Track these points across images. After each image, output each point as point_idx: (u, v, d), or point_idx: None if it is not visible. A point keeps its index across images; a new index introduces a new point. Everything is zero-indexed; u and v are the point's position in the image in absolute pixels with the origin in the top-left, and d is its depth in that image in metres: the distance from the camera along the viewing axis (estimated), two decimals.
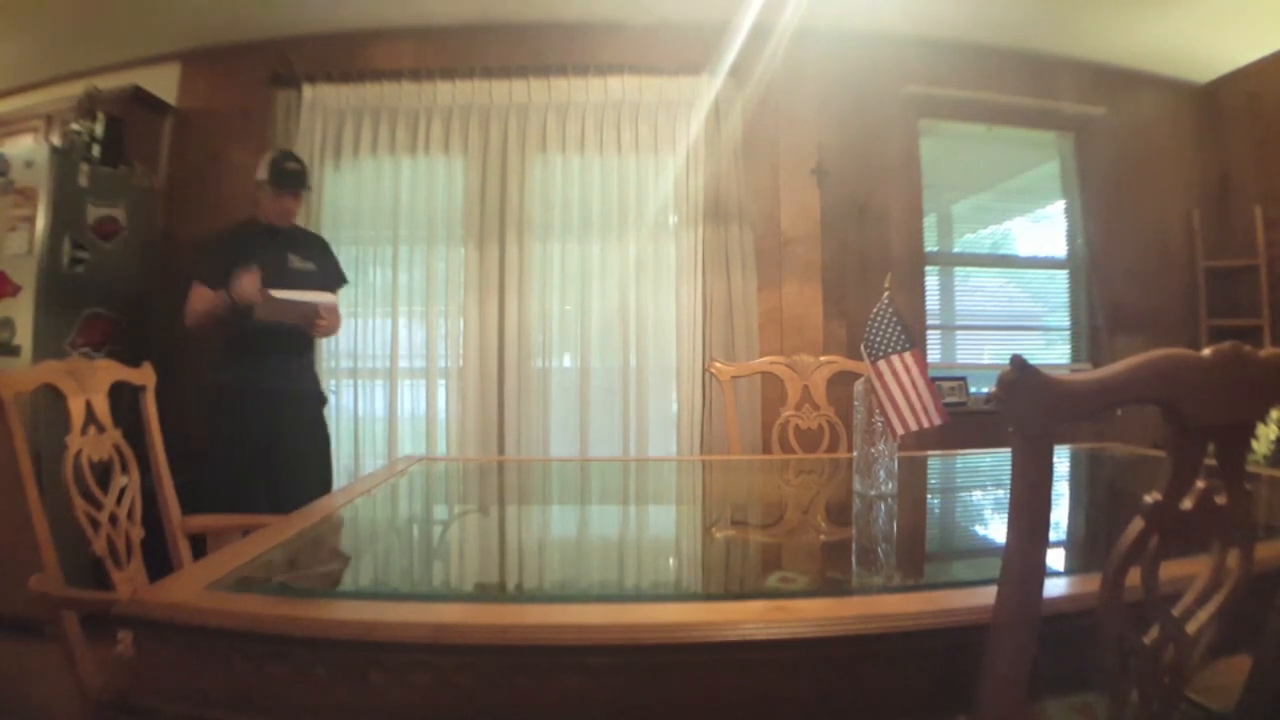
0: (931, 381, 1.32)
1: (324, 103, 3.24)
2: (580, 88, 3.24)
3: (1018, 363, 0.61)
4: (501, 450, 3.11)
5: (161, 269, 3.26)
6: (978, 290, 3.71)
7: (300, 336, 2.52)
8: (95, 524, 1.29)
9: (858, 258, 3.34)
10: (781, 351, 2.60)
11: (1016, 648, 0.66)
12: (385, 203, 3.24)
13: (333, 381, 3.24)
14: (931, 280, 3.53)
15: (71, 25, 3.07)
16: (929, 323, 3.47)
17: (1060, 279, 3.70)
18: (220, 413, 2.46)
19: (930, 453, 2.00)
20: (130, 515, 1.40)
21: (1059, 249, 3.71)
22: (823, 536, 1.30)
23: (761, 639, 0.71)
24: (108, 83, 3.20)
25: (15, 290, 2.68)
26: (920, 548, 1.26)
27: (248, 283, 2.26)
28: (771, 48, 3.14)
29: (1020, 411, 0.62)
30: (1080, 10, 3.11)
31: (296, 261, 2.56)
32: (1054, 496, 0.67)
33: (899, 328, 1.32)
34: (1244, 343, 0.65)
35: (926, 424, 1.29)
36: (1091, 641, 0.68)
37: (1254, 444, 2.14)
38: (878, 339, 1.32)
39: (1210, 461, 0.67)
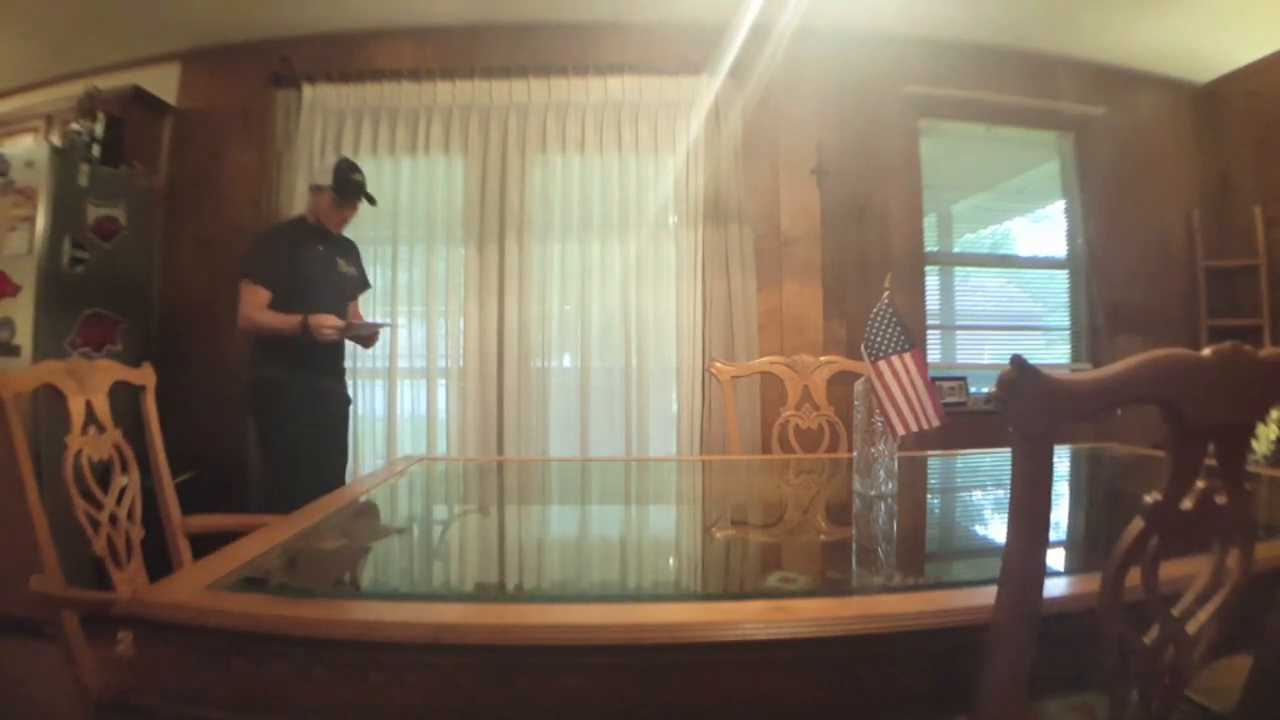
0: (931, 382, 1.32)
1: (324, 103, 3.24)
2: (580, 88, 3.24)
3: (1018, 363, 0.61)
4: (501, 450, 3.11)
5: (161, 269, 3.27)
6: (978, 290, 3.71)
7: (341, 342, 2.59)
8: (95, 524, 1.29)
9: (858, 258, 3.34)
10: (781, 351, 2.60)
11: (1016, 648, 0.66)
12: (385, 203, 3.22)
13: None
14: (931, 280, 3.53)
15: (71, 25, 3.07)
16: (929, 323, 3.47)
17: (1060, 279, 3.70)
18: (277, 409, 2.46)
19: (930, 453, 2.00)
20: (130, 515, 1.40)
21: (1059, 249, 3.71)
22: (823, 536, 1.30)
23: (761, 639, 0.71)
24: (108, 83, 3.20)
25: (15, 290, 2.68)
26: (920, 548, 1.26)
27: (330, 326, 2.36)
28: (771, 48, 3.14)
29: (1020, 411, 0.62)
30: (1080, 10, 3.11)
31: (342, 265, 2.62)
32: (1054, 496, 0.67)
33: (899, 328, 1.32)
34: (1244, 343, 0.65)
35: (925, 425, 1.29)
36: (1091, 641, 0.68)
37: (1254, 444, 2.14)
38: (878, 339, 1.32)
39: (1210, 461, 0.67)
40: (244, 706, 0.73)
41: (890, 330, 1.32)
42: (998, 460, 1.92)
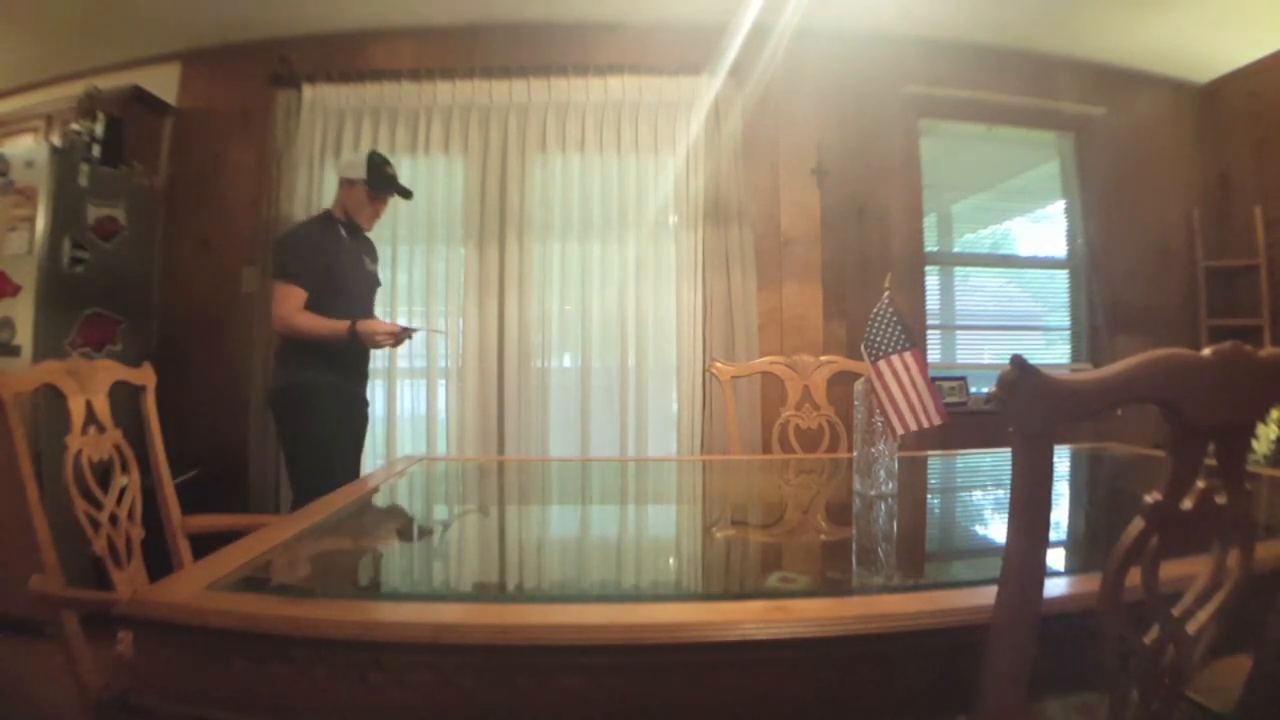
0: (931, 381, 1.32)
1: (324, 103, 3.24)
2: (580, 88, 3.24)
3: (1018, 363, 0.61)
4: (501, 450, 3.11)
5: (161, 269, 3.27)
6: (978, 290, 3.71)
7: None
8: (95, 524, 1.29)
9: (858, 258, 3.34)
10: (781, 351, 2.60)
11: (1016, 648, 0.66)
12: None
13: None
14: (931, 280, 3.53)
15: (71, 25, 3.07)
16: (929, 323, 3.47)
17: (1060, 279, 3.70)
18: (310, 414, 2.34)
19: (930, 453, 2.00)
20: (130, 515, 1.40)
21: (1059, 249, 3.71)
22: (823, 536, 1.30)
23: (761, 639, 0.71)
24: (108, 83, 3.20)
25: (15, 290, 2.68)
26: (920, 548, 1.26)
27: (384, 334, 2.29)
28: (771, 48, 3.15)
29: (1020, 411, 0.62)
30: (1080, 10, 3.11)
31: (368, 263, 2.54)
32: (1054, 496, 0.67)
33: (899, 327, 1.32)
34: (1244, 343, 0.65)
35: (926, 424, 1.29)
36: (1091, 641, 0.68)
37: (1254, 444, 2.14)
38: (878, 339, 1.32)
39: (1210, 461, 0.67)
40: (244, 706, 0.73)
41: (890, 330, 1.32)
42: (998, 460, 1.92)
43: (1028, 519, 0.65)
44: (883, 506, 1.33)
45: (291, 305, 2.27)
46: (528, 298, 3.19)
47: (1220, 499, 0.68)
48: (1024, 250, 3.87)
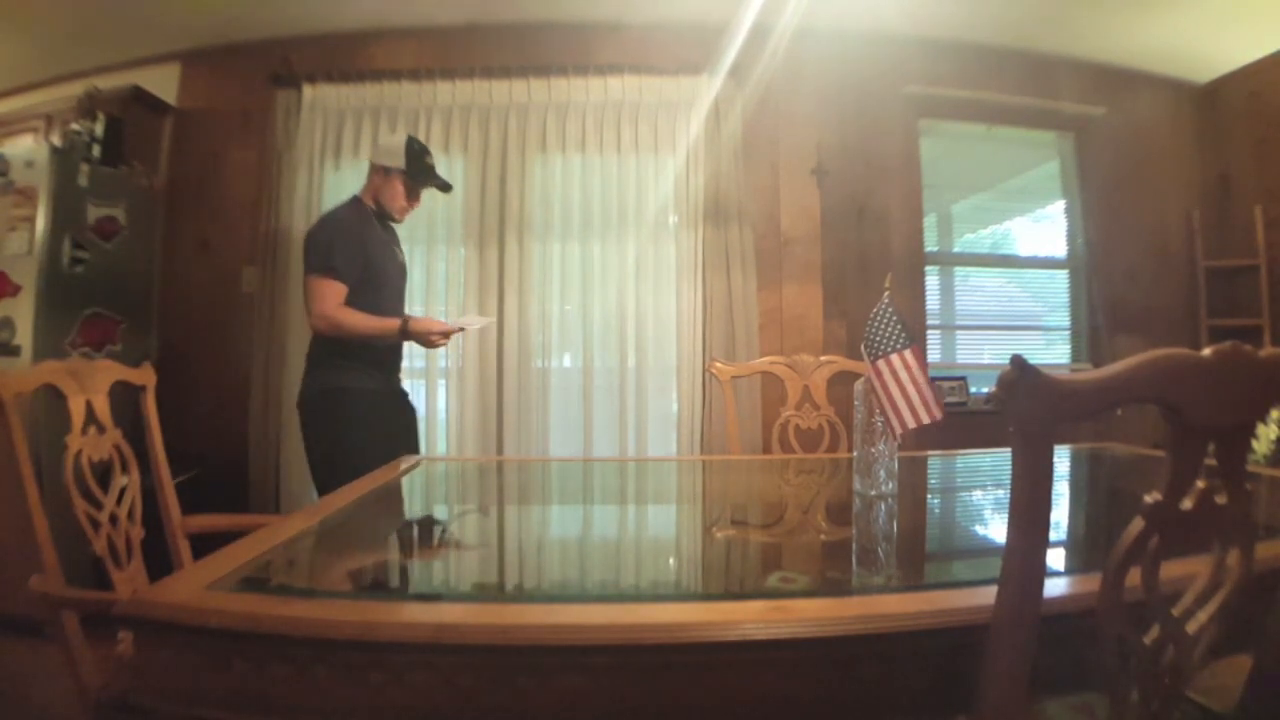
0: (931, 379, 1.32)
1: (324, 103, 3.24)
2: (580, 88, 3.24)
3: (1018, 363, 0.61)
4: (501, 450, 3.11)
5: (161, 269, 3.27)
6: (978, 290, 3.71)
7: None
8: (95, 524, 1.29)
9: (858, 258, 3.34)
10: (781, 351, 2.60)
11: (1016, 648, 0.66)
12: None
13: None
14: (931, 280, 3.53)
15: (71, 25, 3.07)
16: (929, 323, 3.47)
17: (1060, 279, 3.70)
18: (355, 420, 2.16)
19: (930, 453, 2.00)
20: (130, 515, 1.40)
21: (1059, 249, 3.71)
22: (823, 536, 1.30)
23: (761, 639, 0.71)
24: (108, 83, 3.20)
25: (15, 290, 2.68)
26: (920, 548, 1.26)
27: (439, 333, 2.18)
28: (771, 48, 3.14)
29: (1020, 411, 0.62)
30: (1080, 10, 3.11)
31: (398, 253, 2.40)
32: (1054, 496, 0.67)
33: (899, 327, 1.32)
34: (1244, 343, 0.65)
35: (926, 419, 1.29)
36: (1091, 641, 0.68)
37: (1254, 444, 2.14)
38: (878, 339, 1.32)
39: (1210, 461, 0.67)
40: (244, 707, 0.73)
41: (890, 330, 1.32)
42: (998, 460, 1.92)
43: (1028, 519, 0.65)
44: (883, 506, 1.33)
45: (335, 301, 2.11)
46: (528, 298, 3.19)
47: (1220, 499, 0.68)
48: (1024, 250, 3.87)
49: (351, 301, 2.14)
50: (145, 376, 1.56)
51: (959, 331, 3.64)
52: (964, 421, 3.18)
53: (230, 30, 3.27)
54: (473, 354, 3.18)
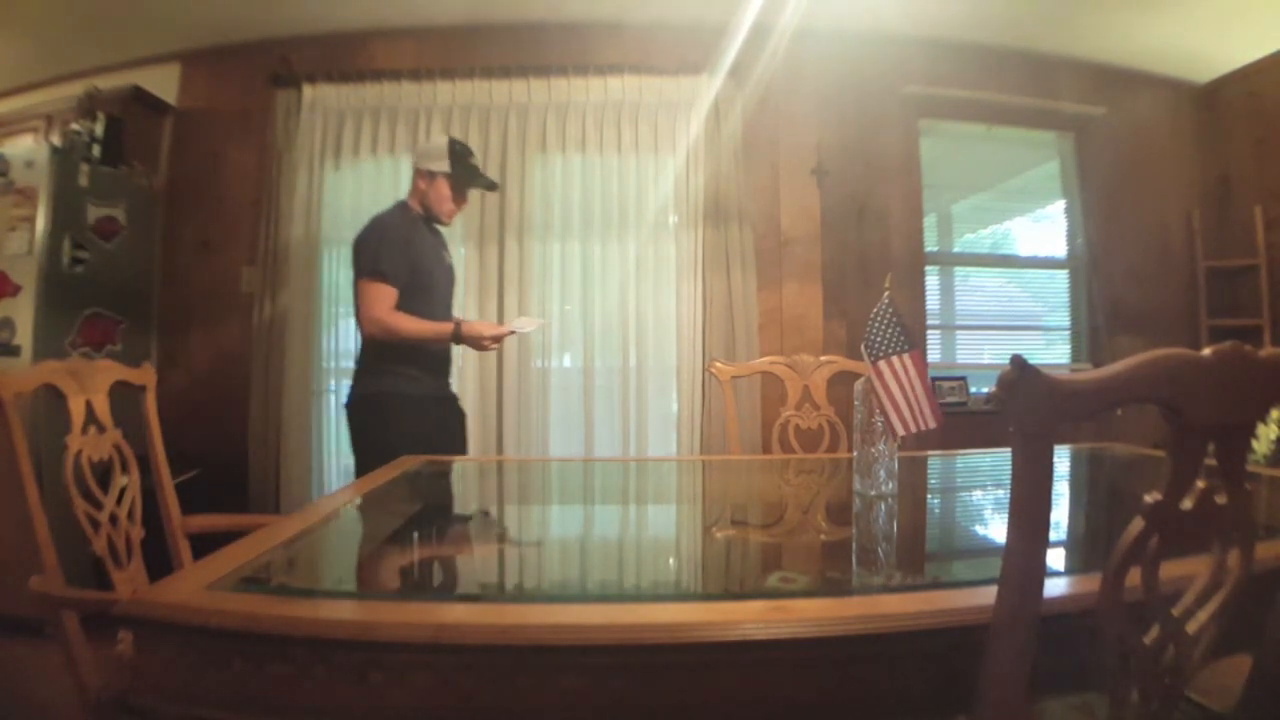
0: (930, 385, 1.32)
1: (324, 103, 3.24)
2: (580, 88, 3.24)
3: (1018, 363, 0.61)
4: (501, 450, 3.11)
5: (161, 269, 3.27)
6: (978, 290, 3.71)
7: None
8: (95, 524, 1.29)
9: (858, 258, 3.34)
10: (781, 351, 2.60)
11: (1016, 648, 0.66)
12: (385, 203, 3.20)
13: (332, 381, 3.24)
14: (931, 280, 3.53)
15: (71, 25, 3.07)
16: (929, 323, 3.47)
17: (1060, 279, 3.70)
18: (405, 421, 2.16)
19: (930, 453, 2.00)
20: (130, 515, 1.40)
21: (1059, 249, 3.71)
22: (823, 536, 1.30)
23: (761, 639, 0.71)
24: (108, 83, 3.20)
25: (15, 290, 2.68)
26: (920, 548, 1.26)
27: (491, 337, 2.19)
28: (771, 48, 3.14)
29: (1020, 411, 0.62)
30: (1080, 10, 3.11)
31: (446, 257, 2.40)
32: (1054, 496, 0.67)
33: (899, 328, 1.32)
34: (1244, 343, 0.65)
35: (921, 427, 1.29)
36: (1091, 641, 0.68)
37: (1254, 444, 2.14)
38: (878, 339, 1.32)
39: (1210, 461, 0.67)
40: (244, 707, 0.73)
41: (890, 330, 1.32)
42: (998, 460, 1.92)
43: (1028, 519, 0.65)
44: (883, 506, 1.33)
45: (386, 305, 2.11)
46: (528, 298, 3.18)
47: (1220, 499, 0.68)
48: (1024, 250, 3.87)
49: (401, 306, 2.13)
50: (145, 376, 1.56)
51: (959, 331, 3.64)
52: (964, 421, 3.18)
53: (230, 30, 3.27)
54: (473, 354, 3.17)
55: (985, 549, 1.19)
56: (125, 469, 1.41)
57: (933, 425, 1.30)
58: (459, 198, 2.30)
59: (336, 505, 1.31)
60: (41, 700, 1.97)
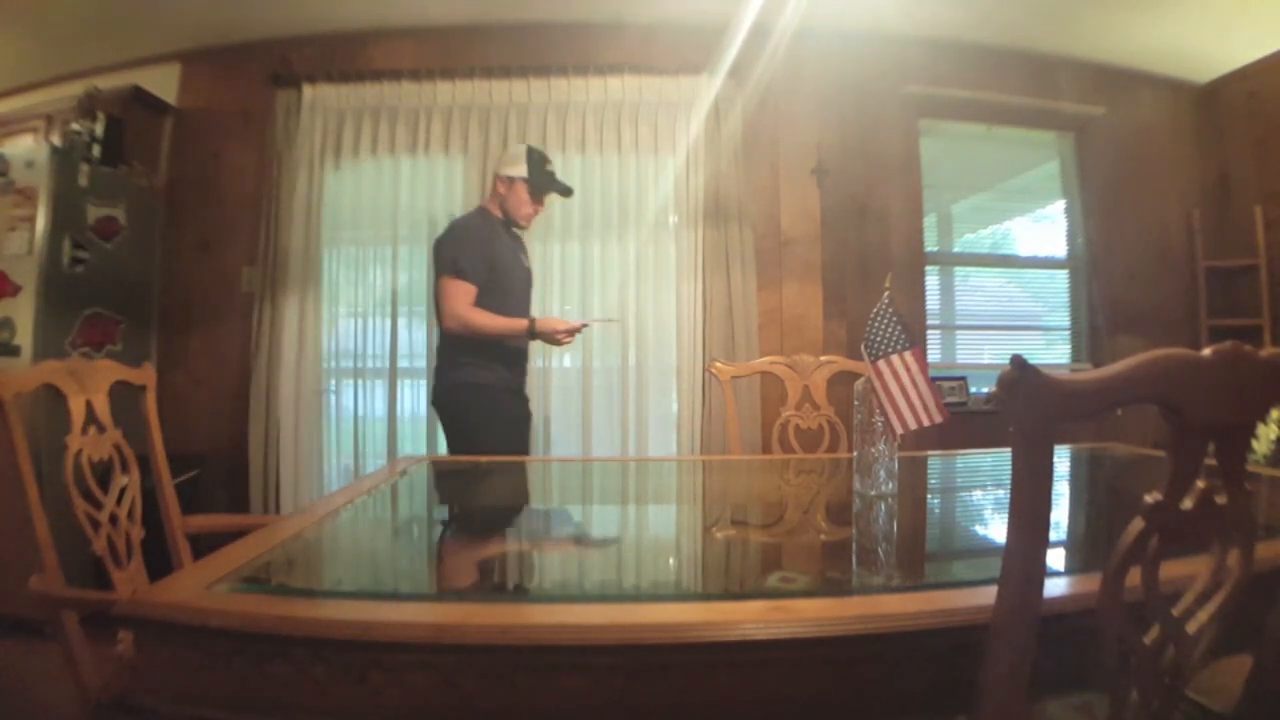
0: (932, 380, 1.32)
1: (324, 103, 3.24)
2: (580, 88, 3.24)
3: (1018, 362, 0.61)
4: None
5: (161, 269, 3.27)
6: (978, 290, 3.71)
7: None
8: (95, 524, 1.29)
9: (858, 258, 3.34)
10: (781, 351, 2.60)
11: (1016, 648, 0.66)
12: (385, 203, 3.24)
13: (332, 381, 3.24)
14: (931, 280, 3.53)
15: (71, 25, 3.07)
16: (929, 323, 3.47)
17: (1060, 279, 3.70)
18: (489, 411, 2.31)
19: (930, 453, 2.00)
20: (130, 515, 1.40)
21: (1059, 249, 3.71)
22: (823, 536, 1.30)
23: (761, 639, 0.71)
24: (108, 83, 3.20)
25: (15, 290, 2.68)
26: (920, 548, 1.26)
27: (565, 331, 2.27)
28: (771, 48, 3.14)
29: (1020, 411, 0.62)
30: (1080, 10, 3.11)
31: (524, 260, 2.51)
32: (1054, 496, 0.67)
33: (899, 327, 1.32)
34: (1244, 343, 0.65)
35: (927, 422, 1.29)
36: (1091, 641, 0.68)
37: (1254, 444, 2.14)
38: (878, 339, 1.32)
39: (1210, 461, 0.67)
40: (244, 706, 0.73)
41: (890, 330, 1.32)
42: (998, 460, 1.92)
43: (1028, 519, 0.65)
44: (883, 506, 1.33)
45: (465, 302, 2.23)
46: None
47: (1220, 499, 0.68)
48: (1024, 250, 3.87)
49: (480, 304, 2.25)
50: (145, 376, 1.56)
51: (959, 331, 3.64)
52: (964, 421, 3.18)
53: (230, 30, 3.27)
54: None
55: (985, 549, 1.19)
56: (125, 469, 1.41)
57: (939, 420, 1.30)
58: (536, 202, 2.43)
59: (336, 505, 1.31)
60: (41, 700, 1.97)
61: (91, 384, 1.39)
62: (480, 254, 2.28)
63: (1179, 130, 3.69)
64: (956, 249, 3.73)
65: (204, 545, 1.44)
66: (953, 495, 1.79)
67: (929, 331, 3.47)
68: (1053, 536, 0.67)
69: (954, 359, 3.61)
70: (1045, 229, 3.80)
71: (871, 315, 1.34)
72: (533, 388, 3.15)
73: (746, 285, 3.19)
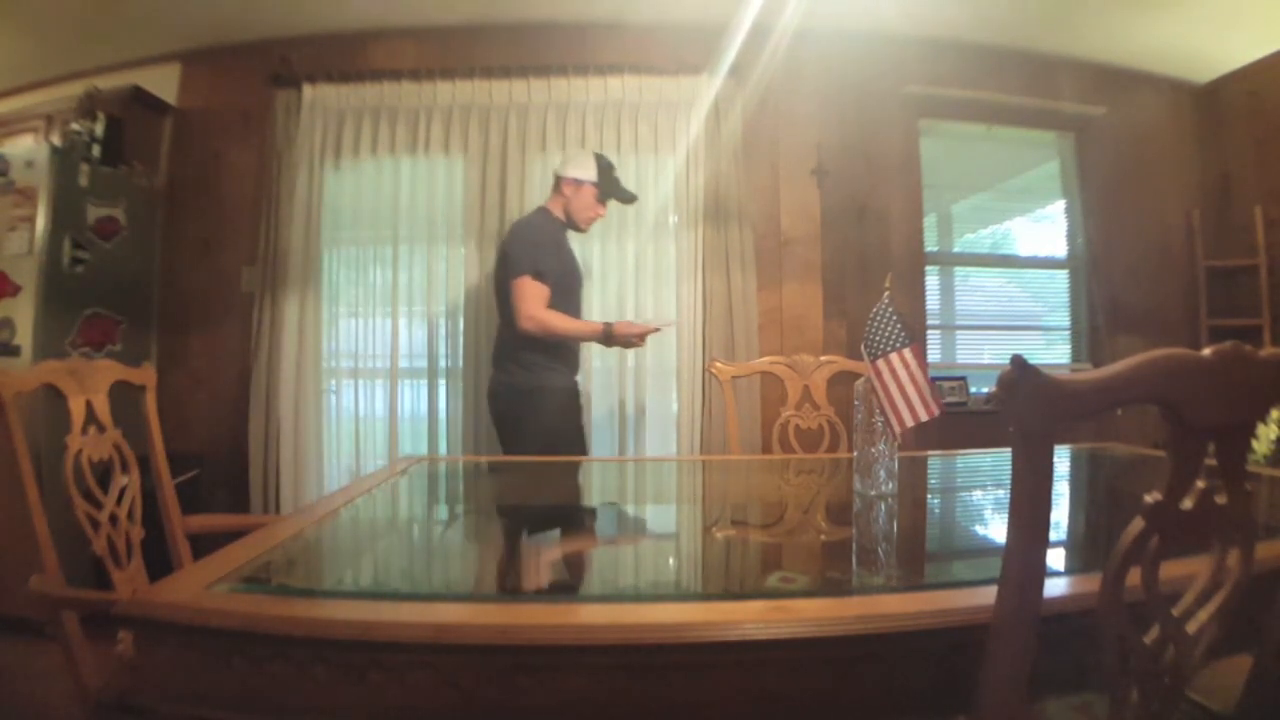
0: (930, 377, 1.32)
1: (324, 103, 3.24)
2: (580, 88, 3.24)
3: (1018, 363, 0.61)
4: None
5: (161, 269, 3.27)
6: (978, 290, 3.71)
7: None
8: (95, 524, 1.29)
9: (858, 258, 3.34)
10: (781, 351, 2.60)
11: (1016, 648, 0.66)
12: (385, 203, 3.24)
13: (332, 381, 3.24)
14: (931, 280, 3.53)
15: (71, 25, 3.07)
16: (929, 323, 3.47)
17: (1060, 279, 3.70)
18: (556, 413, 2.35)
19: (930, 453, 2.00)
20: (130, 515, 1.40)
21: (1059, 249, 3.71)
22: (823, 536, 1.30)
23: (761, 639, 0.71)
24: (108, 83, 3.20)
25: (15, 290, 2.68)
26: (920, 548, 1.26)
27: (638, 334, 2.29)
28: (771, 48, 3.14)
29: (1020, 411, 0.62)
30: (1080, 10, 3.11)
31: (579, 263, 2.56)
32: (1054, 496, 0.67)
33: (899, 327, 1.32)
34: (1244, 343, 0.65)
35: (924, 417, 1.29)
36: (1091, 641, 0.68)
37: (1254, 444, 2.14)
38: (878, 338, 1.32)
39: (1210, 461, 0.67)
40: (244, 706, 0.73)
41: (890, 330, 1.32)
42: (998, 460, 1.92)
43: (1028, 519, 0.65)
44: (883, 506, 1.33)
45: (542, 303, 2.23)
46: None
47: (1220, 499, 0.68)
48: (1024, 250, 3.87)
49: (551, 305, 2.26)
50: (145, 376, 1.56)
51: (959, 331, 3.64)
52: (964, 421, 3.18)
53: (230, 30, 3.27)
54: (473, 354, 3.18)
55: (985, 549, 1.19)
56: (125, 469, 1.41)
57: (935, 413, 1.29)
58: (601, 205, 2.46)
59: (336, 505, 1.31)
60: (41, 700, 1.97)
61: (91, 384, 1.39)
62: (555, 255, 2.30)
63: (1179, 130, 3.69)
64: (956, 249, 3.73)
65: (204, 545, 1.44)
66: (953, 495, 1.79)
67: (929, 331, 3.47)
68: (1053, 536, 0.67)
69: (954, 359, 3.60)
70: (1045, 229, 3.80)
71: (871, 315, 1.34)
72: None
73: (746, 285, 3.19)
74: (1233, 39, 3.29)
